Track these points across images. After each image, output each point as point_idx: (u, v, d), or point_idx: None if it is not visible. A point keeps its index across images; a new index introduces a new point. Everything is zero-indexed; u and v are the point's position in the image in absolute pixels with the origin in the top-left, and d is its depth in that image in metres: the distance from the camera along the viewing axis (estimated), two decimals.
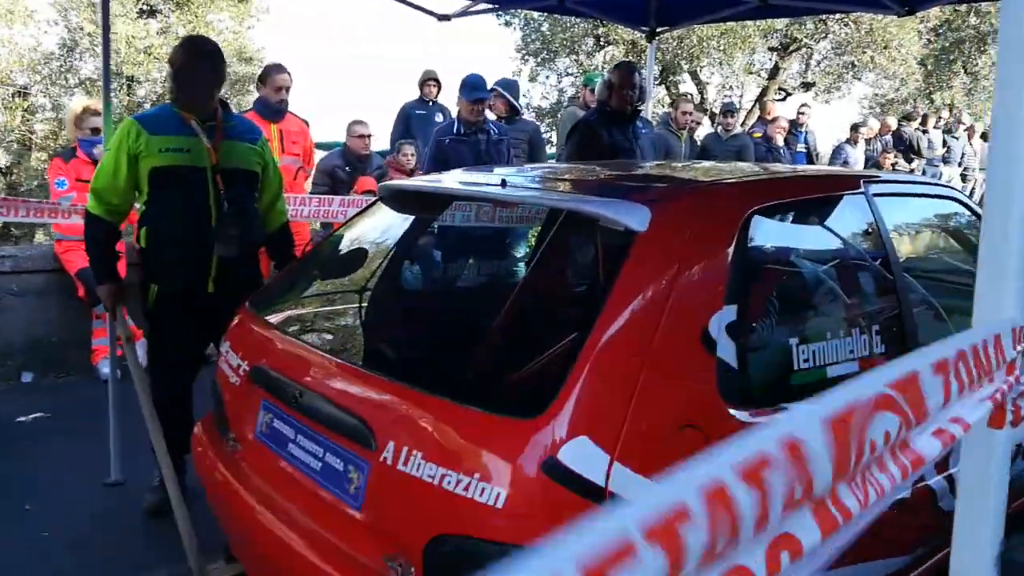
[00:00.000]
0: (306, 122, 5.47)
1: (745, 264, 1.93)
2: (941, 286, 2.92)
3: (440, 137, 4.98)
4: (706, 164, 3.16)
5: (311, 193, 5.46)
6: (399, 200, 2.61)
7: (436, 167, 4.89)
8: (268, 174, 3.16)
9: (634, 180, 2.30)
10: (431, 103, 7.50)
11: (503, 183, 2.23)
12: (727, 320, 1.81)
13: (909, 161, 11.75)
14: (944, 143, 12.63)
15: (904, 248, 2.43)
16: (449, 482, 1.59)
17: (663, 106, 13.37)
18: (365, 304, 2.49)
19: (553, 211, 2.18)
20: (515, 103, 6.11)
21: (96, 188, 2.99)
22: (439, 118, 7.49)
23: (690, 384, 1.74)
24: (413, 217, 2.68)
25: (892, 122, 12.22)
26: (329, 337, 2.30)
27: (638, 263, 1.76)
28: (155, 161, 2.88)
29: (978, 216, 2.86)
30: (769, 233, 2.16)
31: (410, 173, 6.50)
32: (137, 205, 3.07)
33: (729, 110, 8.13)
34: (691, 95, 13.70)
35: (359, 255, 2.67)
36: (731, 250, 1.89)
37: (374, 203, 2.70)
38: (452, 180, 2.55)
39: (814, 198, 2.29)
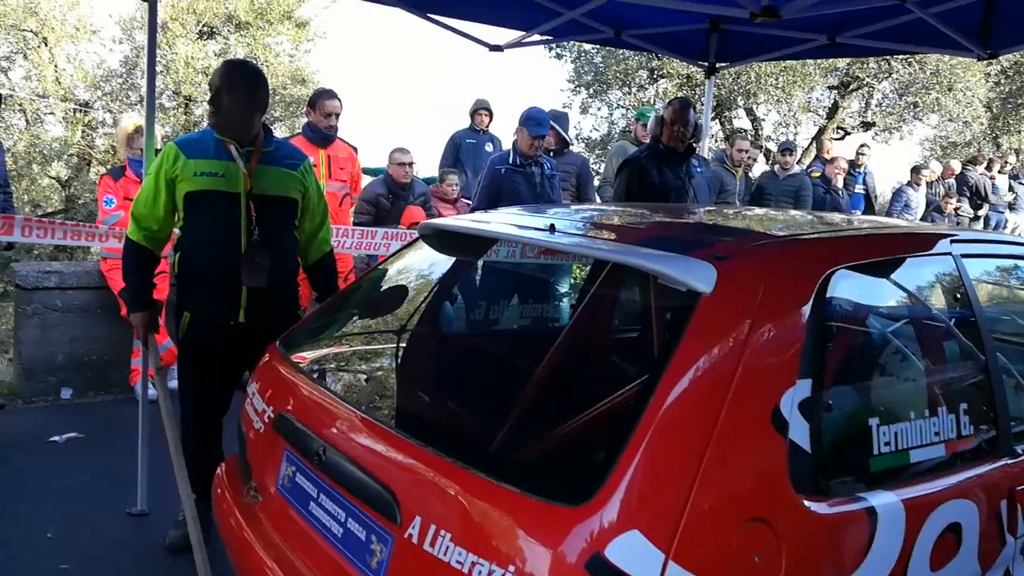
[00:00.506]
0: (355, 148, 5.41)
1: (821, 333, 1.72)
2: None
3: (497, 166, 4.87)
4: (774, 214, 2.95)
5: (354, 221, 5.38)
6: (441, 240, 2.46)
7: (491, 196, 4.80)
8: (310, 202, 3.04)
9: (697, 231, 2.11)
10: (482, 132, 7.44)
11: (552, 228, 2.06)
12: (801, 397, 1.60)
13: (974, 207, 11.30)
14: (1011, 188, 12.14)
15: (992, 314, 2.19)
16: (480, 572, 1.41)
17: (717, 142, 13.13)
18: (400, 353, 2.34)
19: (605, 263, 2.00)
20: (565, 136, 5.98)
21: (136, 213, 2.91)
22: (489, 147, 7.43)
23: (758, 471, 1.54)
24: (455, 258, 2.53)
25: (956, 166, 11.78)
26: (360, 388, 2.15)
27: (702, 329, 1.57)
28: (190, 185, 2.80)
29: None
30: (848, 297, 1.94)
31: (453, 202, 6.42)
32: (176, 230, 2.98)
33: (788, 148, 7.87)
34: (746, 131, 13.45)
35: (397, 297, 2.53)
36: (807, 317, 1.68)
37: (416, 241, 2.55)
38: (498, 221, 2.39)
39: (897, 258, 2.07)
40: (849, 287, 1.93)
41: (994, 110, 14.63)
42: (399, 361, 2.29)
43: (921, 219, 9.98)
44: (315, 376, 2.20)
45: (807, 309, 1.69)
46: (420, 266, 2.59)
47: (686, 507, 1.40)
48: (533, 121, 4.73)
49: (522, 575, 1.36)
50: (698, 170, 5.42)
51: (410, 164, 5.60)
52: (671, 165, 4.68)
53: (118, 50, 15.21)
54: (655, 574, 1.35)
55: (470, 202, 6.90)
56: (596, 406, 1.61)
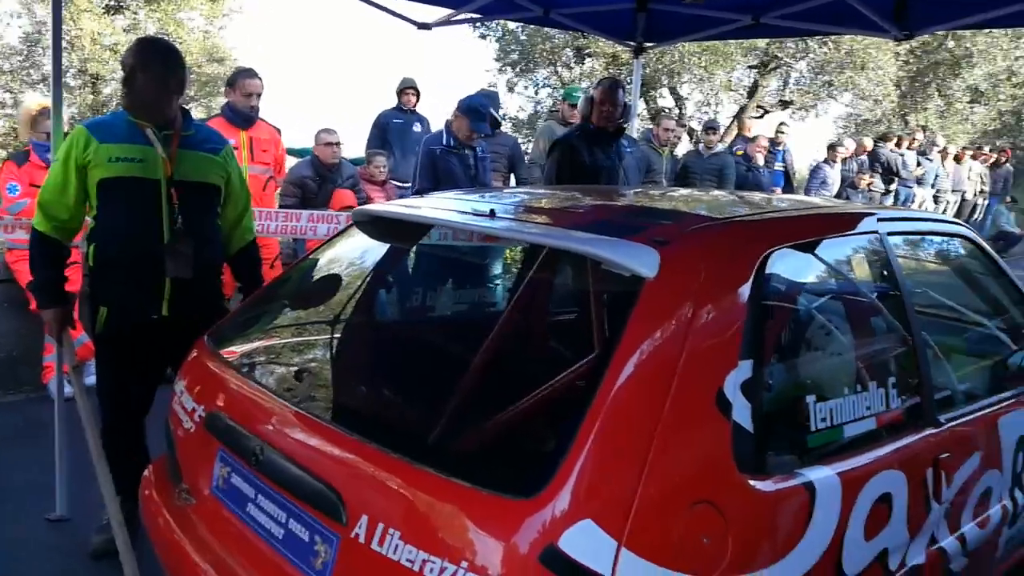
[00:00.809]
0: (278, 129, 5.23)
1: (760, 314, 1.74)
2: (952, 327, 2.77)
3: (432, 146, 4.80)
4: (705, 195, 2.99)
5: (280, 204, 5.21)
6: (376, 226, 2.39)
7: (432, 176, 4.73)
8: (232, 188, 2.92)
9: (637, 215, 2.11)
10: (409, 112, 7.30)
11: (492, 213, 2.03)
12: (743, 378, 1.62)
13: (886, 183, 11.78)
14: (918, 164, 12.70)
15: (915, 289, 2.27)
16: (431, 570, 1.38)
17: (642, 121, 13.28)
18: (336, 345, 2.26)
19: (540, 246, 1.97)
20: (496, 116, 5.93)
21: (42, 202, 2.73)
22: (417, 128, 7.31)
23: (704, 454, 1.55)
24: (391, 245, 2.46)
25: (868, 142, 12.25)
26: (296, 383, 2.07)
27: (647, 315, 1.57)
28: (104, 172, 2.63)
29: (985, 252, 2.72)
30: (784, 277, 1.98)
31: (382, 184, 6.30)
32: (88, 219, 2.81)
33: (712, 127, 8.02)
34: (669, 110, 13.65)
35: (331, 286, 2.45)
36: (746, 298, 1.70)
37: (349, 227, 2.48)
38: (434, 207, 2.34)
39: (829, 237, 2.12)
40: (785, 267, 1.97)
41: (902, 88, 15.27)
42: (335, 353, 2.22)
43: (836, 195, 10.35)
44: (247, 371, 2.11)
45: (746, 290, 1.71)
46: (354, 253, 2.51)
47: (636, 494, 1.40)
48: (476, 115, 4.69)
49: (475, 570, 1.34)
50: (628, 150, 5.46)
51: (337, 144, 5.46)
52: (601, 145, 4.69)
53: (16, 25, 14.28)
54: (608, 562, 1.35)
55: (398, 184, 6.81)
56: (541, 394, 1.59)
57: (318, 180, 5.38)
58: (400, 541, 1.44)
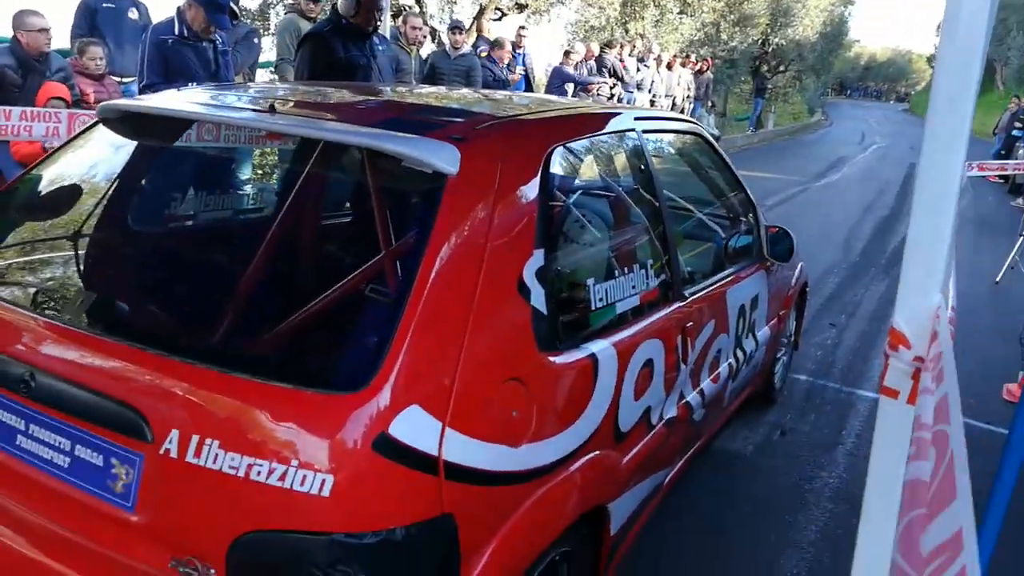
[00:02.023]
0: None
1: (548, 206, 1.88)
2: (688, 215, 3.17)
3: (163, 36, 4.28)
4: (482, 93, 3.05)
5: None
6: (131, 124, 2.13)
7: (162, 70, 4.24)
8: None
9: (426, 112, 2.11)
10: None
11: (272, 108, 1.92)
12: (537, 265, 1.76)
13: (612, 86, 12.71)
14: (638, 70, 13.86)
15: (664, 182, 2.56)
16: (259, 472, 1.37)
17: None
18: (101, 255, 2.03)
19: (312, 143, 1.91)
20: (234, 7, 5.42)
21: None
22: (133, 14, 6.46)
23: (511, 336, 1.68)
24: (150, 145, 2.22)
25: (596, 48, 13.05)
26: (65, 303, 1.84)
27: (452, 208, 1.62)
28: None
29: (715, 149, 3.12)
30: (565, 171, 2.14)
31: (100, 79, 5.55)
32: None
33: (458, 27, 8.04)
34: (410, 7, 13.37)
35: (79, 191, 2.17)
36: (537, 192, 1.82)
37: (95, 125, 2.19)
38: (200, 102, 2.14)
39: (599, 134, 2.30)
40: (564, 163, 2.12)
41: None
42: (102, 263, 1.99)
43: (572, 97, 10.99)
44: None
45: (536, 185, 1.83)
46: (104, 154, 2.23)
47: (456, 377, 1.49)
48: (214, 6, 4.23)
49: (307, 466, 1.36)
50: (380, 48, 5.33)
51: (49, 29, 4.67)
52: (355, 41, 4.54)
53: None
54: (435, 442, 1.44)
55: (119, 80, 6.03)
56: (344, 291, 1.59)
57: (21, 71, 4.59)
58: (220, 450, 1.39)
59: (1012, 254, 7.14)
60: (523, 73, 9.94)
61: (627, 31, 16.11)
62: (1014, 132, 15.61)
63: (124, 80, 6.23)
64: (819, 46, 27.43)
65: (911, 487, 0.67)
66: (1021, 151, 14.63)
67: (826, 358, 4.87)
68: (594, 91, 11.33)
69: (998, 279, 7.06)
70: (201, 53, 4.41)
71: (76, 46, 5.64)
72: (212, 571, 1.42)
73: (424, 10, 13.69)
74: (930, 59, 66.76)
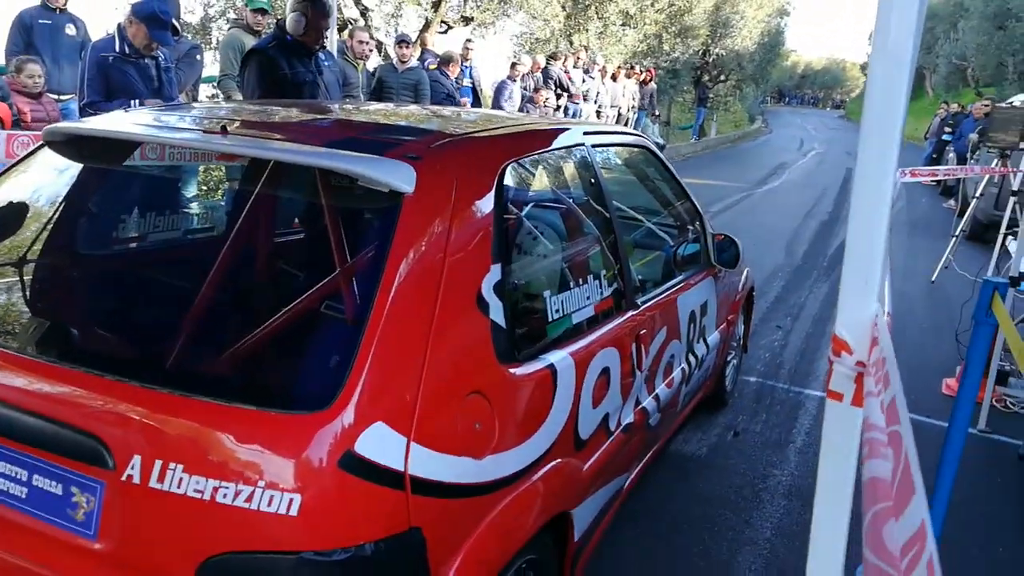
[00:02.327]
0: None
1: (503, 222, 1.92)
2: (637, 226, 3.25)
3: (104, 54, 4.21)
4: (443, 111, 3.08)
5: None
6: (76, 146, 2.11)
7: (104, 88, 4.18)
8: None
9: (380, 131, 2.13)
10: (58, 11, 6.28)
11: (224, 130, 1.92)
12: (494, 280, 1.79)
13: (558, 97, 12.87)
14: (584, 81, 14.05)
15: (614, 193, 2.63)
16: (225, 495, 1.37)
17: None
18: (51, 281, 2.00)
19: (287, 165, 1.92)
20: (176, 23, 5.35)
21: None
22: (71, 30, 6.34)
23: (471, 350, 1.71)
24: (95, 167, 2.19)
25: (542, 60, 13.20)
26: (16, 330, 1.80)
27: (409, 227, 1.64)
28: None
29: (660, 160, 3.21)
30: (518, 187, 2.18)
31: (37, 97, 5.43)
32: None
33: (405, 40, 8.05)
34: (355, 21, 13.33)
35: (24, 216, 2.13)
36: (492, 208, 1.86)
37: (39, 148, 2.16)
38: (150, 123, 2.13)
39: (550, 150, 2.35)
40: (516, 178, 2.16)
41: (567, 9, 16.56)
42: (51, 289, 1.96)
43: (519, 110, 11.09)
44: None
45: (490, 201, 1.87)
46: (50, 177, 2.20)
47: (419, 393, 1.52)
48: (157, 22, 4.18)
49: (273, 487, 1.36)
50: (326, 63, 5.32)
51: None
52: (300, 58, 4.52)
53: None
54: (400, 457, 1.46)
55: (56, 98, 5.89)
56: (311, 310, 1.61)
57: None
58: (184, 474, 1.39)
59: (946, 254, 7.45)
60: (470, 86, 10.01)
61: (571, 43, 16.33)
62: (944, 136, 16.28)
63: (62, 98, 6.10)
64: (757, 56, 28.24)
65: (871, 485, 0.72)
66: (951, 155, 15.26)
67: (774, 360, 5.01)
68: (540, 103, 11.45)
69: (933, 278, 7.36)
70: (143, 70, 4.36)
71: (12, 64, 5.51)
72: None
73: (370, 24, 13.65)
74: (863, 67, 69.24)
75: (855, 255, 0.87)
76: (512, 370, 1.81)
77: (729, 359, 4.01)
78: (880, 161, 0.93)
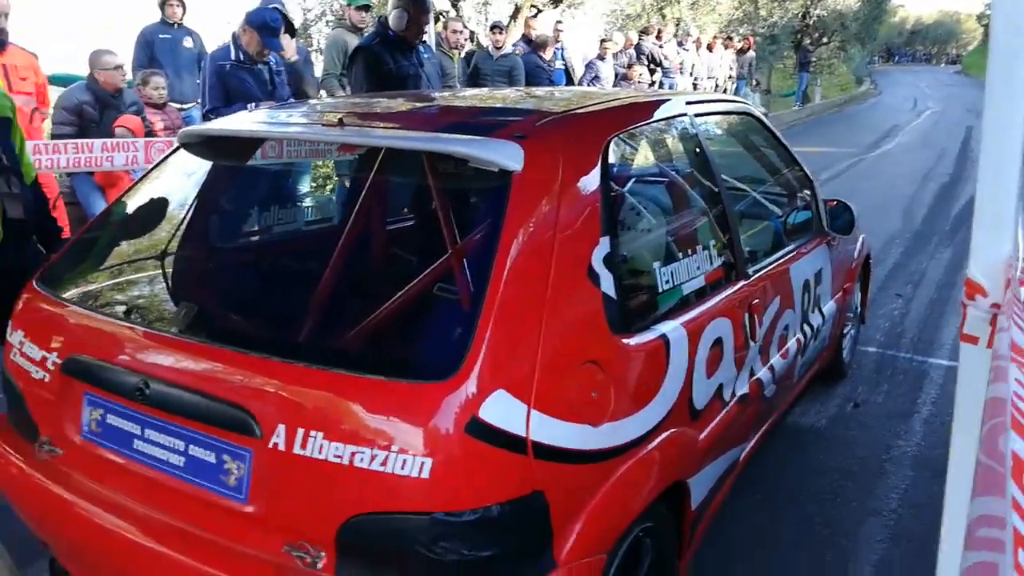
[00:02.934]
0: (35, 55, 4.61)
1: (610, 194, 1.94)
2: (746, 194, 3.19)
3: (220, 62, 4.49)
4: (542, 92, 3.13)
5: (53, 134, 4.66)
6: (210, 146, 2.27)
7: (224, 95, 4.45)
8: (15, 120, 2.63)
9: (485, 114, 2.20)
10: (176, 26, 6.69)
11: (341, 123, 2.03)
12: (604, 252, 1.82)
13: (652, 72, 12.65)
14: (677, 54, 13.75)
15: (721, 164, 2.60)
16: (362, 459, 1.47)
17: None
18: (197, 269, 2.18)
19: (397, 152, 2.02)
20: (291, 26, 5.63)
21: None
22: (188, 43, 6.75)
23: (585, 321, 1.75)
24: (228, 165, 2.36)
25: (633, 36, 13.01)
26: (168, 315, 1.98)
27: (520, 204, 1.70)
28: None
29: (767, 127, 3.14)
30: (623, 160, 2.20)
31: (162, 107, 5.81)
32: None
33: (499, 27, 8.13)
34: (447, 12, 13.51)
35: (166, 212, 2.32)
36: (598, 181, 1.89)
37: (175, 151, 2.34)
38: (271, 122, 2.27)
39: (652, 123, 2.35)
40: (622, 152, 2.18)
41: None
42: (197, 277, 2.14)
43: (613, 87, 10.97)
44: (102, 309, 1.99)
45: (597, 175, 1.89)
46: (186, 177, 2.38)
47: (536, 363, 1.57)
48: (268, 30, 4.42)
49: (408, 451, 1.45)
50: (426, 56, 5.46)
51: (122, 66, 4.94)
52: (403, 52, 4.68)
53: None
54: (522, 423, 1.52)
55: (179, 107, 6.29)
56: (434, 287, 1.69)
57: (98, 106, 4.85)
58: (325, 441, 1.50)
59: None
60: (563, 67, 9.99)
61: (663, 16, 15.98)
62: None
63: (184, 106, 6.51)
64: (862, 13, 26.69)
65: (992, 403, 0.72)
66: None
67: (894, 329, 4.80)
68: (634, 79, 11.29)
69: None
70: (257, 75, 4.60)
71: (139, 77, 5.93)
72: (323, 554, 1.53)
73: (461, 14, 13.81)
74: (980, 17, 64.37)
75: (987, 197, 0.85)
76: (625, 340, 1.83)
77: (846, 329, 3.88)
78: (1008, 103, 0.90)
